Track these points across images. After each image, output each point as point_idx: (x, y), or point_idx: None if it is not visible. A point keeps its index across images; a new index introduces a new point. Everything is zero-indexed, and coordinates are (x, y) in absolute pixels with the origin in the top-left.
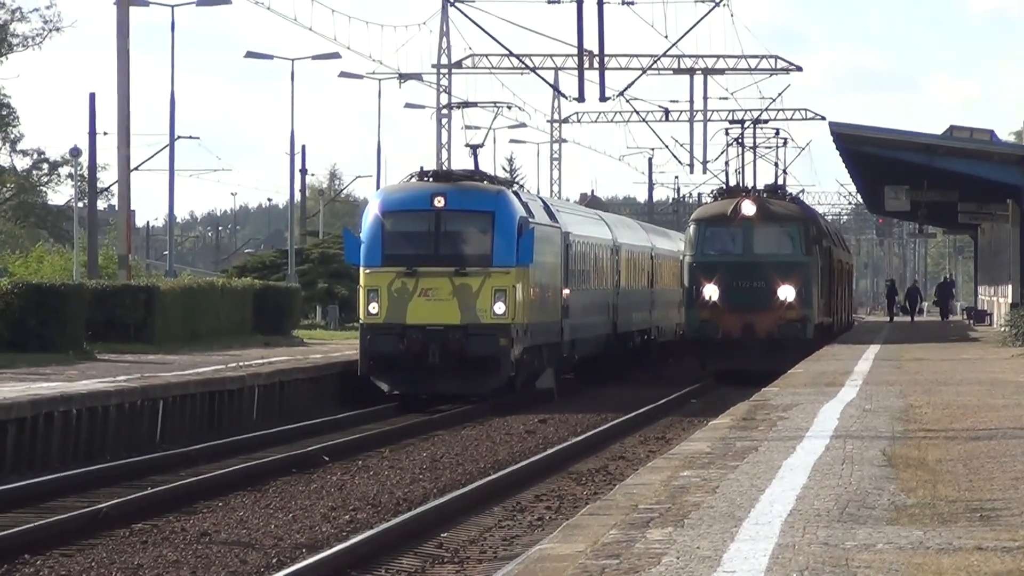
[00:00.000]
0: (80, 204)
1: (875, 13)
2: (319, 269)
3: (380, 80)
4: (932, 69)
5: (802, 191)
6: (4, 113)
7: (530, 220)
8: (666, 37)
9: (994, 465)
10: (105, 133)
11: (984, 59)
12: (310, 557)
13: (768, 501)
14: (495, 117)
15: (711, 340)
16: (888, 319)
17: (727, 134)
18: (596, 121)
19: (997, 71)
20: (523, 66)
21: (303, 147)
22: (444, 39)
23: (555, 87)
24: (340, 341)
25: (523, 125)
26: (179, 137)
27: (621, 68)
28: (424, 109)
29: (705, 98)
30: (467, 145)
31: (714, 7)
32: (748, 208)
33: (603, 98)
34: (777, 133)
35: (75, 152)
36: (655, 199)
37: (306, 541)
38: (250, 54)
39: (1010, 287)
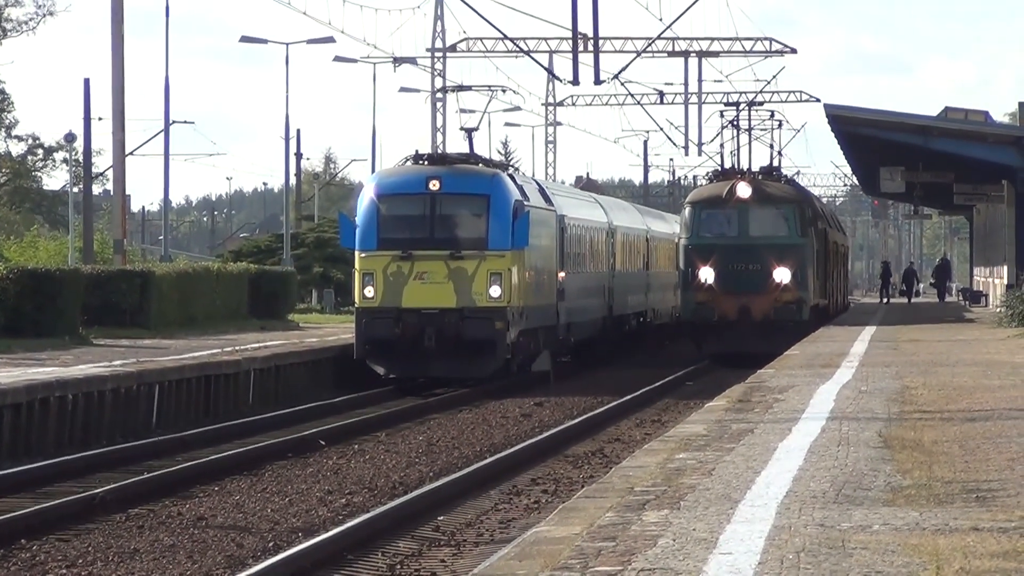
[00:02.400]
0: (75, 189)
1: None
2: (315, 253)
3: (375, 64)
4: (926, 51)
5: (797, 173)
6: None
7: (525, 203)
8: (660, 20)
9: (990, 446)
10: (100, 118)
11: (977, 41)
12: (307, 541)
13: (764, 483)
14: (490, 100)
15: (707, 322)
16: (881, 300)
17: (722, 116)
18: (591, 104)
19: (991, 53)
20: (518, 49)
21: (298, 131)
22: (438, 23)
23: (550, 70)
24: (336, 325)
25: (518, 108)
26: (174, 122)
27: (616, 51)
28: (419, 93)
29: (700, 80)
30: (462, 128)
31: None
32: (743, 190)
33: (598, 81)
34: (772, 115)
35: (70, 137)
36: (650, 181)
37: (302, 525)
38: (244, 39)
39: (1005, 268)
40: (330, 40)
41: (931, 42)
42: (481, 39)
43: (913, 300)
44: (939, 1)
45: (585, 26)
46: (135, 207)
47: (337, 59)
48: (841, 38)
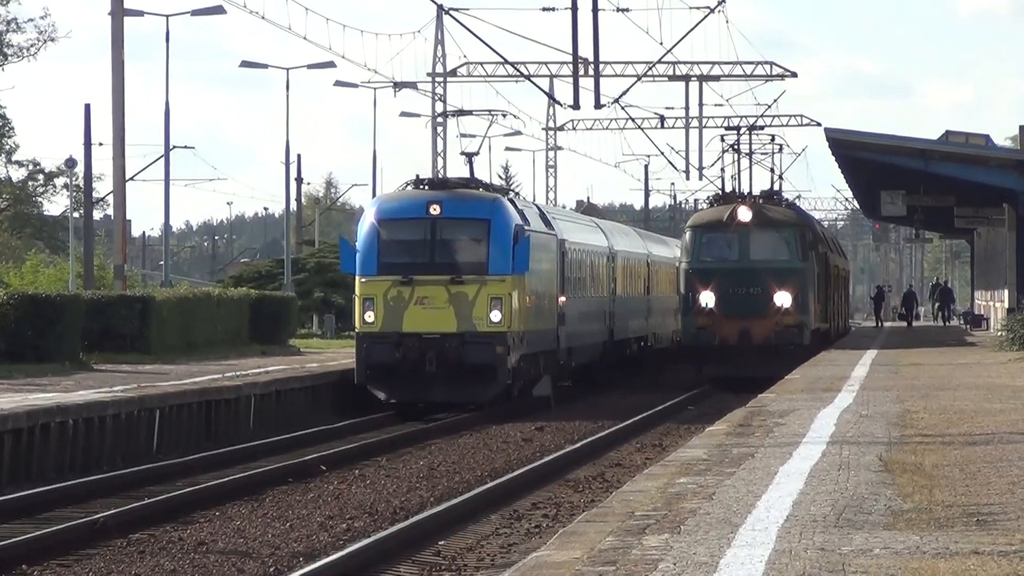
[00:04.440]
0: (76, 215)
1: (865, 18)
2: (315, 278)
3: (375, 89)
4: (925, 74)
5: (798, 197)
6: None
7: (526, 228)
8: (661, 44)
9: (991, 470)
10: (100, 143)
11: (975, 63)
12: (307, 566)
13: (765, 507)
14: (490, 125)
15: (708, 347)
16: (875, 325)
17: (723, 140)
18: (592, 128)
19: (989, 75)
20: (518, 74)
21: (298, 156)
22: (439, 47)
23: (550, 95)
24: (336, 350)
25: (518, 133)
26: (174, 147)
27: (616, 75)
28: (419, 117)
29: (700, 104)
30: (462, 153)
31: (709, 13)
32: (744, 214)
33: (598, 105)
34: (773, 139)
35: (71, 163)
36: (651, 206)
37: (303, 550)
38: (245, 63)
39: (1006, 291)
40: (330, 65)
41: (929, 65)
42: (481, 63)
43: (913, 324)
44: (935, 22)
45: (585, 50)
46: (136, 232)
47: (337, 84)
48: (838, 62)
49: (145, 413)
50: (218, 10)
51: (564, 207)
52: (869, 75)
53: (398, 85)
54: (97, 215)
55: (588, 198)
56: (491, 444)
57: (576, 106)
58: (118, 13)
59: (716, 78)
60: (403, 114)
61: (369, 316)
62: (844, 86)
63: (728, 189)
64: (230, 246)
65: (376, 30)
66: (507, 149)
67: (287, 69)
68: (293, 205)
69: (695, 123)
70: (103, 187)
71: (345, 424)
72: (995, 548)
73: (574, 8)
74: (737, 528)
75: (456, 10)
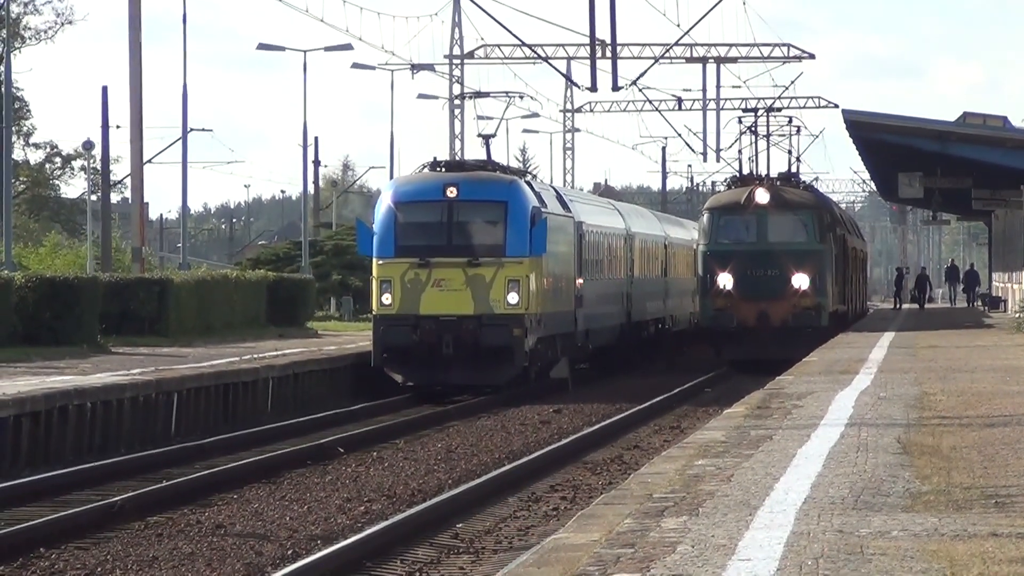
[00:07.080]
0: (93, 197)
1: None
2: (333, 261)
3: (392, 71)
4: (936, 55)
5: (816, 179)
6: (17, 106)
7: (543, 210)
8: (679, 26)
9: (1009, 452)
10: (118, 126)
11: (987, 43)
12: (325, 548)
13: (783, 489)
14: (507, 107)
15: (726, 329)
16: (895, 307)
17: (740, 122)
18: (609, 110)
19: (1001, 56)
20: (535, 56)
21: (316, 139)
22: (456, 29)
23: (567, 76)
24: (354, 332)
25: (536, 115)
26: (192, 129)
27: (634, 57)
28: (437, 100)
29: (718, 86)
30: (480, 135)
31: None
32: (762, 196)
33: (616, 87)
34: (790, 121)
35: (88, 145)
36: (668, 188)
37: (321, 533)
38: (262, 46)
39: None
40: (348, 47)
41: (941, 45)
42: (499, 46)
43: (926, 306)
44: (948, 5)
45: (603, 32)
46: (153, 215)
47: (355, 66)
48: (851, 43)
49: (163, 396)
50: None
51: (581, 189)
52: (880, 56)
53: (415, 67)
54: (115, 198)
55: (605, 180)
56: (509, 426)
57: (593, 88)
58: None
59: (733, 60)
60: (420, 96)
61: (386, 298)
62: (855, 68)
63: (746, 171)
64: (247, 229)
65: (393, 12)
66: (524, 131)
67: (304, 51)
68: (310, 187)
69: (712, 105)
70: (120, 169)
71: (362, 407)
72: (1013, 530)
73: None
74: (755, 510)
75: None
